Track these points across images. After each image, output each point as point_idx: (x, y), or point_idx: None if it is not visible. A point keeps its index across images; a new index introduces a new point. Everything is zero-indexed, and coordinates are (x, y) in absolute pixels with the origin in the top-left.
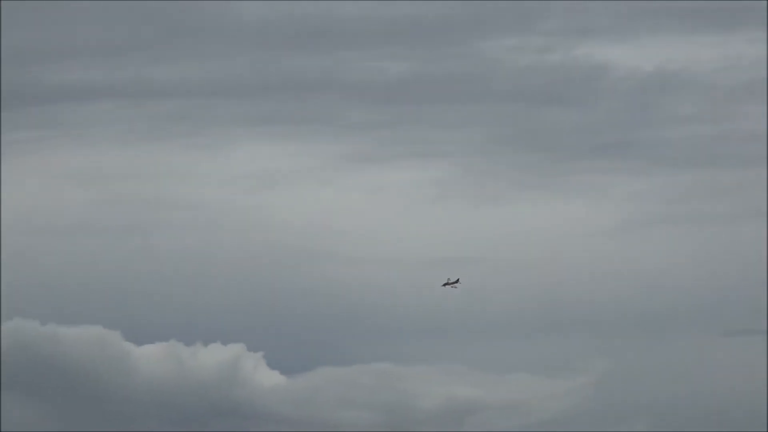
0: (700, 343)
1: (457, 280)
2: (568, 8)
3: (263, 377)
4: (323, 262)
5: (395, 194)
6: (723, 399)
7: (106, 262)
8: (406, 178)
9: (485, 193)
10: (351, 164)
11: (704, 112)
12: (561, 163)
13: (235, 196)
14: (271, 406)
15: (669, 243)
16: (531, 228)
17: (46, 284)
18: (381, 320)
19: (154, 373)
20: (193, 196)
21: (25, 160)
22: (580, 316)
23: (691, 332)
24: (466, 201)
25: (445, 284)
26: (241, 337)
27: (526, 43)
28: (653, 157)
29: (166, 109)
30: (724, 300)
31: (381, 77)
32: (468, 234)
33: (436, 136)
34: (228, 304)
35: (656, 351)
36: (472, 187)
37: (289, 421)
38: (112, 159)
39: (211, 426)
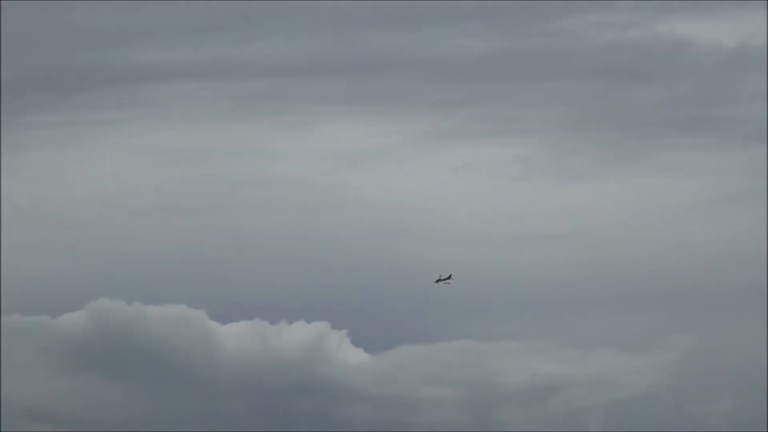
0: None
1: (450, 276)
2: None
3: (347, 355)
4: (406, 240)
5: (478, 172)
6: None
7: (190, 241)
8: (489, 155)
9: (568, 170)
10: (434, 142)
11: None
12: (643, 140)
13: (319, 175)
14: (354, 383)
15: (753, 218)
16: (614, 204)
17: (131, 264)
18: (464, 297)
19: (238, 351)
20: (277, 175)
21: (109, 140)
22: (664, 292)
23: None
24: (549, 178)
25: (437, 281)
26: (325, 315)
27: (608, 19)
28: (736, 133)
29: (250, 88)
30: None
31: (464, 55)
32: (551, 211)
33: (519, 114)
34: (312, 283)
35: (741, 327)
36: (555, 164)
37: (373, 399)
38: (195, 138)
39: (296, 404)
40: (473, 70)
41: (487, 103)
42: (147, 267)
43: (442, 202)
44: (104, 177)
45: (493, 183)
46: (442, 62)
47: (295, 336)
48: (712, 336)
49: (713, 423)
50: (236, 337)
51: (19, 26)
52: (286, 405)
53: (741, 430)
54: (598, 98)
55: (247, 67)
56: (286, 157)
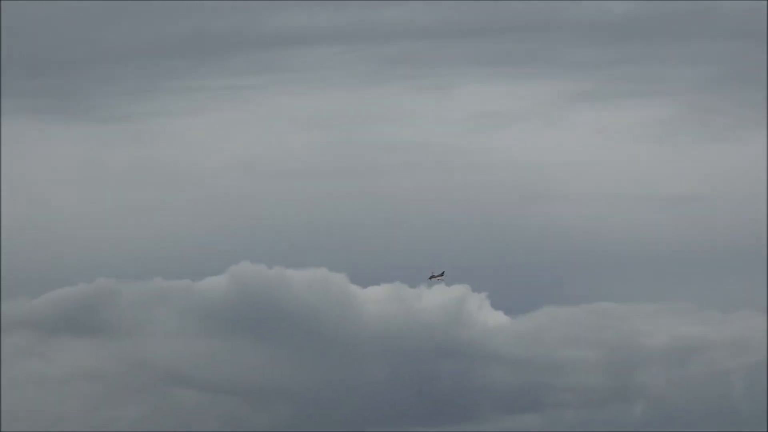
0: None
1: (442, 273)
2: None
3: (487, 318)
4: (547, 201)
5: (620, 132)
6: None
7: (331, 204)
8: (631, 116)
9: (710, 130)
10: (576, 103)
11: None
12: None
13: (460, 137)
14: (495, 346)
15: None
16: (757, 166)
17: (272, 228)
18: (605, 258)
19: (379, 315)
20: (418, 138)
21: (249, 105)
22: None
23: None
24: (691, 138)
25: (431, 277)
26: (465, 277)
27: None
28: None
29: (389, 52)
30: None
31: (606, 16)
32: (693, 171)
33: (661, 74)
34: (452, 245)
35: None
36: (697, 125)
37: (514, 361)
38: (335, 103)
39: (437, 367)
40: (615, 32)
41: (629, 64)
42: (288, 231)
43: (583, 163)
44: (245, 142)
45: (635, 143)
46: (584, 24)
47: (435, 299)
48: None
49: None
50: (377, 300)
51: None
52: (427, 367)
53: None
54: (740, 58)
55: (386, 31)
56: (426, 121)
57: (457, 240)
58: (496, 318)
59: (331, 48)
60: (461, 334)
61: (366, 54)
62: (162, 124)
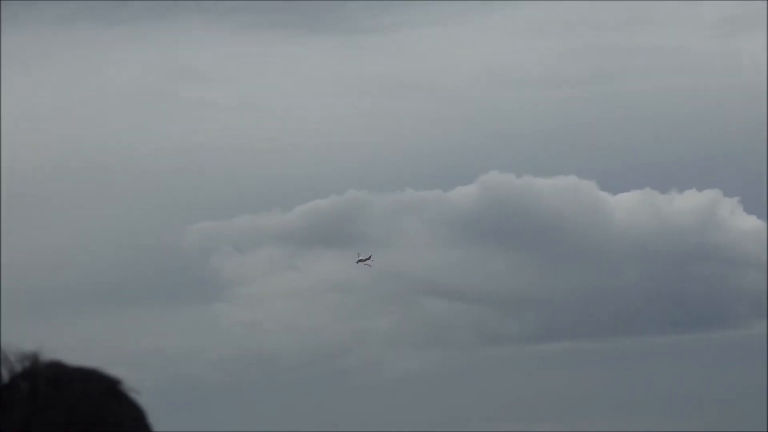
0: None
1: (369, 257)
2: None
3: (740, 222)
4: None
5: None
6: None
7: (579, 111)
8: None
9: None
10: None
11: None
12: None
13: (705, 41)
14: (749, 251)
15: None
16: None
17: (520, 136)
18: None
19: (629, 221)
20: (659, 42)
21: (495, 15)
22: None
23: None
24: None
25: (358, 261)
26: (716, 182)
27: None
28: None
29: None
30: None
31: None
32: None
33: None
34: (701, 149)
35: None
36: None
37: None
38: (576, 9)
39: (689, 272)
40: None
41: None
42: (536, 139)
43: None
44: (489, 52)
45: None
46: None
47: (686, 204)
48: None
49: None
50: (626, 206)
51: None
52: (678, 273)
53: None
54: None
55: None
56: (666, 25)
57: (708, 144)
58: (749, 223)
59: None
60: (714, 239)
61: None
62: (405, 35)
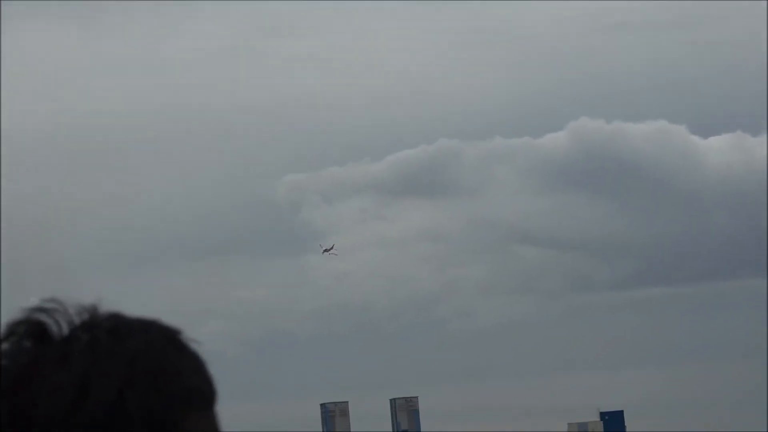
0: None
1: (332, 246)
2: None
3: None
4: None
5: None
6: None
7: (668, 56)
8: None
9: None
10: None
11: None
12: None
13: None
14: None
15: None
16: None
17: (610, 82)
18: None
19: (720, 164)
20: None
21: None
22: None
23: None
24: None
25: (324, 251)
26: None
27: None
28: None
29: None
30: None
31: None
32: None
33: None
34: None
35: None
36: None
37: None
38: None
39: None
40: None
41: None
42: (625, 85)
43: None
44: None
45: None
46: None
47: None
48: None
49: None
50: (718, 149)
51: None
52: None
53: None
54: None
55: None
56: None
57: None
58: None
59: None
60: None
61: None
62: None
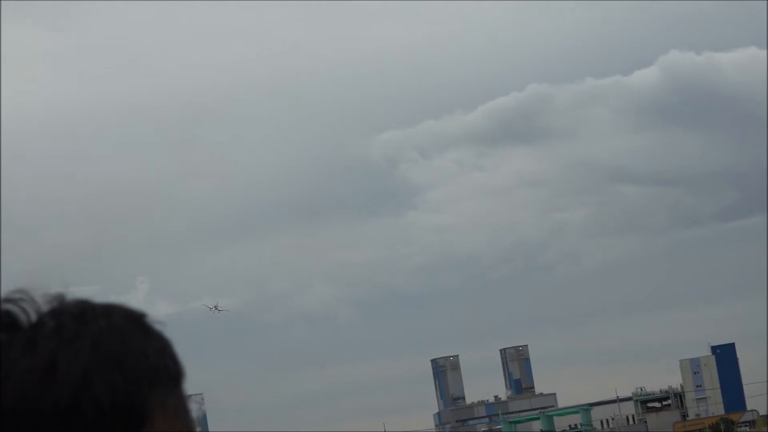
0: None
1: (216, 305)
2: None
3: None
4: None
5: None
6: None
7: None
8: None
9: None
10: None
11: None
12: None
13: None
14: None
15: None
16: None
17: (698, 13)
18: None
19: None
20: None
21: None
22: None
23: None
24: None
25: (211, 309)
26: None
27: None
28: None
29: None
30: None
31: None
32: None
33: None
34: None
35: None
36: None
37: None
38: None
39: None
40: None
41: None
42: (713, 15)
43: None
44: None
45: None
46: None
47: None
48: None
49: None
50: None
51: None
52: None
53: None
54: None
55: None
56: None
57: None
58: None
59: None
60: None
61: None
62: None
